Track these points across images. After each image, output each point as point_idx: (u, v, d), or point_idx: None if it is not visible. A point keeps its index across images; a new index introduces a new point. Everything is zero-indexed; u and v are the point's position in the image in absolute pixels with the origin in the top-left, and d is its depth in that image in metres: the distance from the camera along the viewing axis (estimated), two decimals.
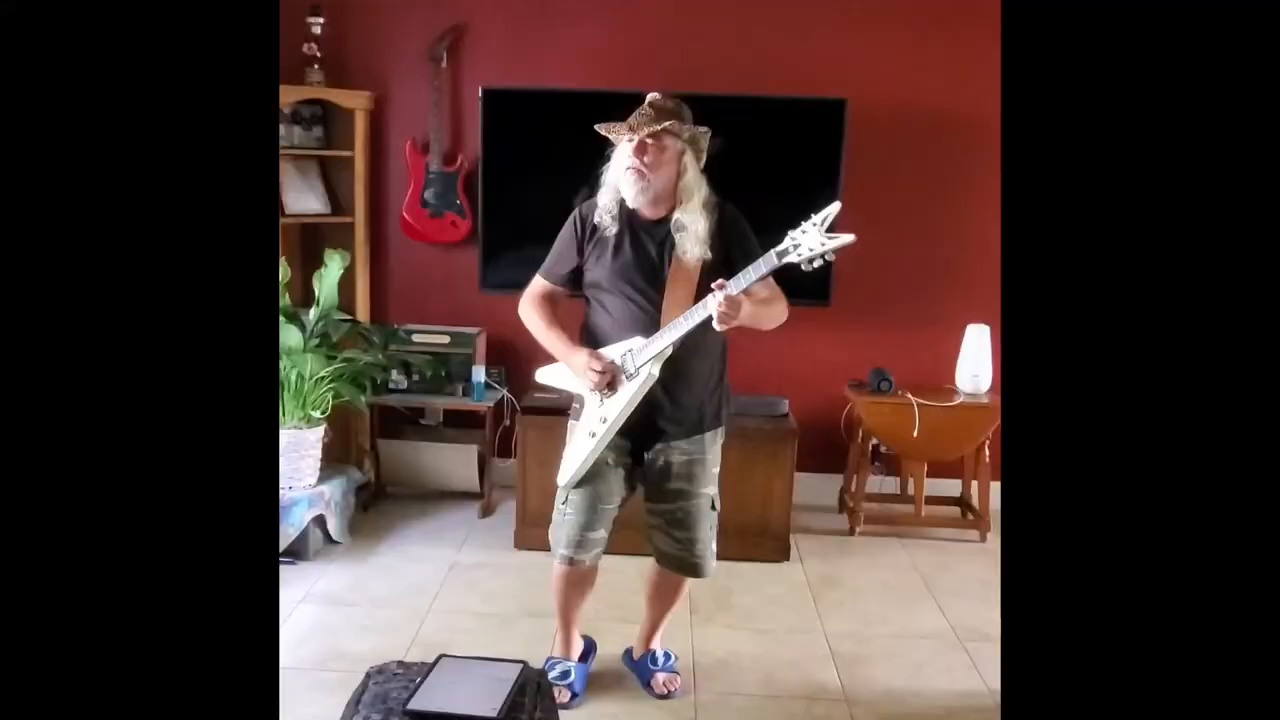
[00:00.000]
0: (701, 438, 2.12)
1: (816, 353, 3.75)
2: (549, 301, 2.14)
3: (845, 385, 3.60)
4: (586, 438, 2.03)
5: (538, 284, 2.15)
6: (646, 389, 1.97)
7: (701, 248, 1.98)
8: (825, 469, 3.79)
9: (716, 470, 2.18)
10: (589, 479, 2.07)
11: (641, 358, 1.99)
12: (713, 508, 2.17)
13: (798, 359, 3.74)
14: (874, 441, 3.48)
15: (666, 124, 1.96)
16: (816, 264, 1.81)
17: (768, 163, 3.22)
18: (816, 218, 1.83)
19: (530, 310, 2.13)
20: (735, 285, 1.87)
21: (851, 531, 3.52)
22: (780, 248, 1.84)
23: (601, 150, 2.08)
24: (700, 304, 1.90)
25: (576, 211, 2.09)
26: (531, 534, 3.18)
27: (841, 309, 3.54)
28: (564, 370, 2.14)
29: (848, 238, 1.80)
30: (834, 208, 1.84)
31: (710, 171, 2.05)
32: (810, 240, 1.81)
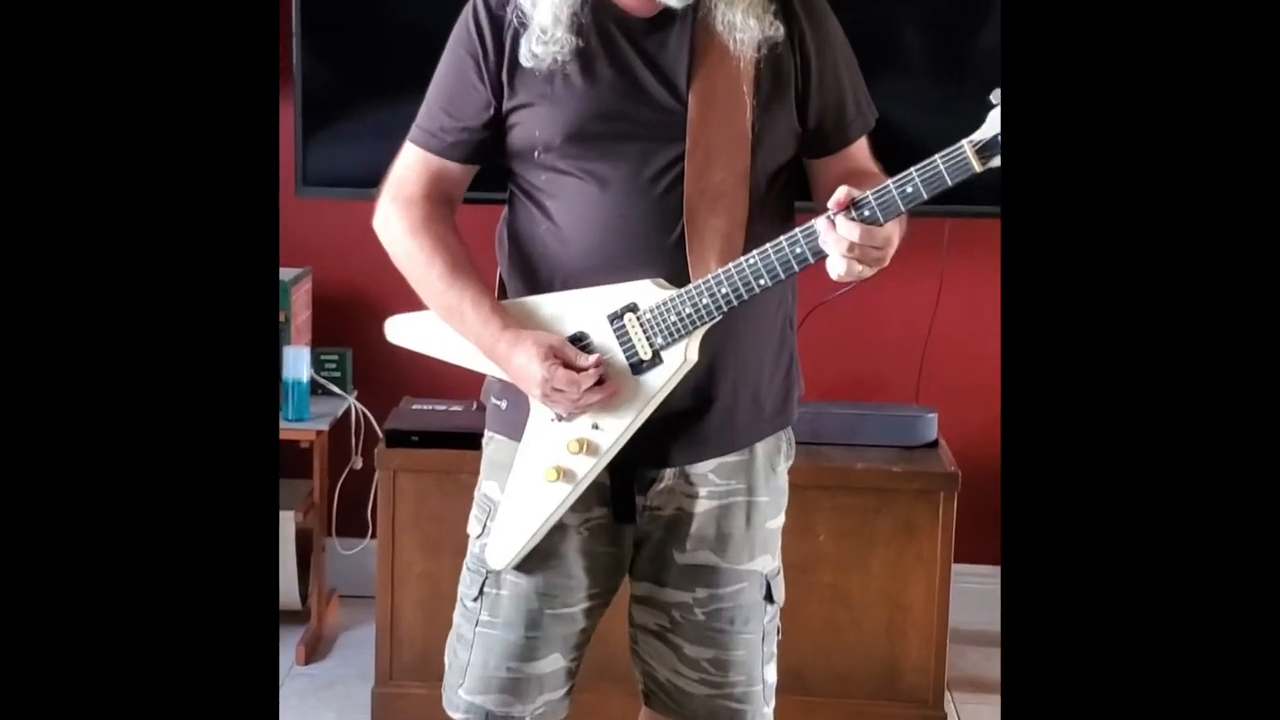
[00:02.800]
0: (751, 456, 2.06)
1: (997, 315, 3.31)
2: (442, 207, 2.05)
3: None
4: (543, 480, 1.99)
5: (415, 166, 2.05)
6: (675, 383, 1.94)
7: (757, 21, 1.93)
8: None
9: (779, 523, 2.13)
10: (530, 558, 2.03)
11: (668, 327, 1.93)
12: (769, 598, 2.11)
13: (957, 328, 3.49)
14: None
15: None
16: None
17: None
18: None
19: (406, 233, 2.03)
20: (882, 205, 1.83)
21: None
22: (984, 135, 1.79)
23: None
24: (799, 232, 1.88)
25: (477, 5, 2.01)
26: (408, 698, 3.06)
27: None
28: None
29: None
30: None
31: None
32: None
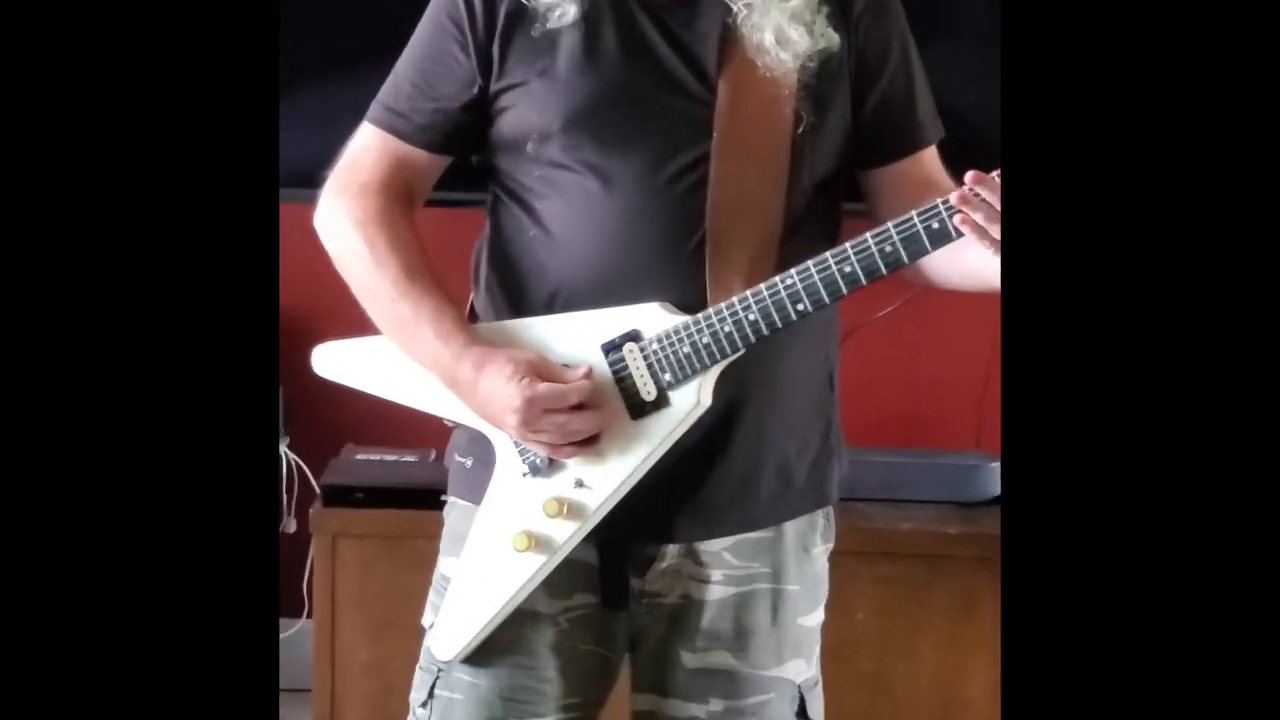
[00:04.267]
0: (779, 535, 1.97)
1: None
2: (401, 201, 1.97)
3: None
4: (511, 548, 1.89)
5: (373, 150, 1.99)
6: (682, 432, 1.87)
7: (805, 32, 1.87)
8: None
9: (816, 620, 2.03)
10: (492, 651, 1.92)
11: (678, 361, 1.87)
12: (804, 716, 1.98)
13: None
14: None
15: None
16: None
17: None
18: None
19: (354, 227, 1.95)
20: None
21: None
22: None
23: None
24: (850, 247, 1.79)
25: None
26: None
27: None
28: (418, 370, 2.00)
29: None
30: None
31: None
32: None
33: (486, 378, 1.83)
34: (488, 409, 1.84)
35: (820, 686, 2.00)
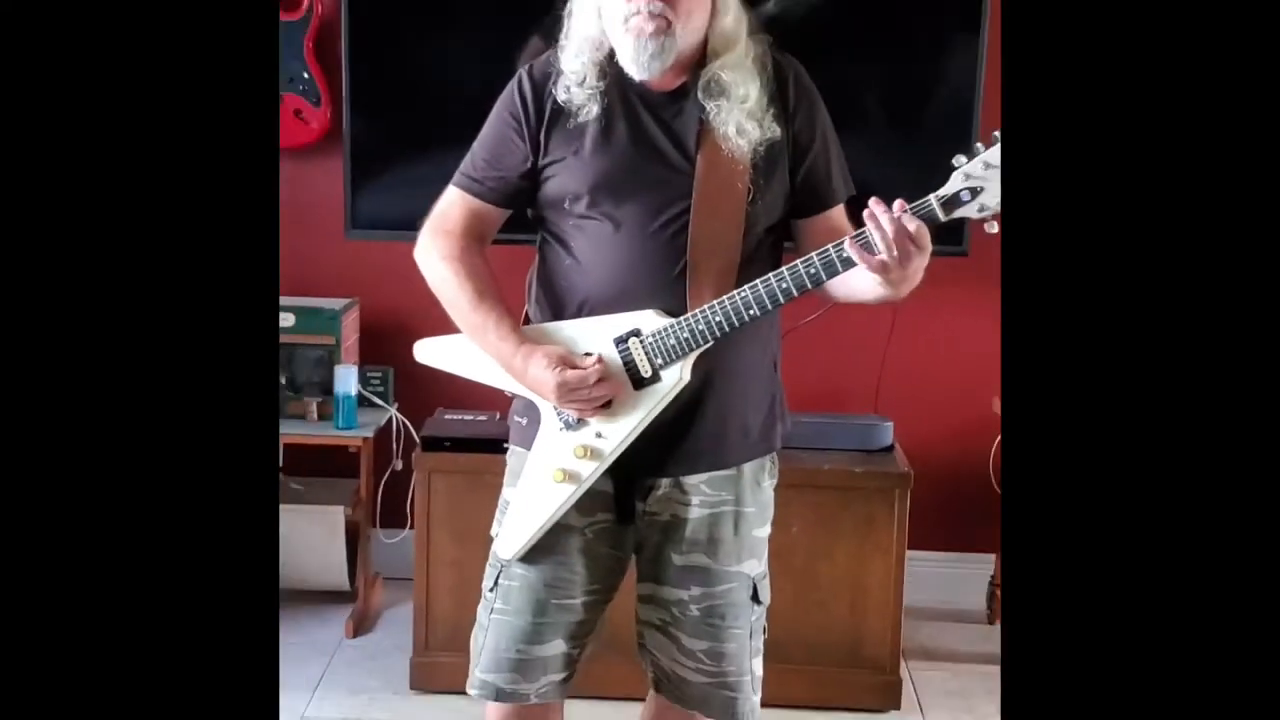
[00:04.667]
0: (739, 473, 2.12)
1: (943, 338, 3.69)
2: (475, 242, 2.10)
3: (995, 395, 3.51)
4: (551, 480, 2.03)
5: (456, 205, 2.11)
6: (670, 399, 1.98)
7: (757, 125, 2.00)
8: (960, 545, 3.76)
9: (765, 533, 2.18)
10: (538, 552, 2.07)
11: (666, 350, 1.98)
12: (756, 599, 2.17)
13: (909, 349, 3.64)
14: None
15: None
16: (993, 228, 1.87)
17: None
18: (990, 155, 1.85)
19: (442, 260, 2.08)
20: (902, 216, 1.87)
21: None
22: (948, 191, 1.84)
23: None
24: (785, 269, 1.92)
25: (522, 77, 2.09)
26: (441, 666, 3.15)
27: (986, 263, 3.21)
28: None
29: None
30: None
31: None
32: (994, 188, 1.83)
33: (532, 367, 1.99)
34: (534, 388, 2.01)
35: (768, 579, 2.18)
